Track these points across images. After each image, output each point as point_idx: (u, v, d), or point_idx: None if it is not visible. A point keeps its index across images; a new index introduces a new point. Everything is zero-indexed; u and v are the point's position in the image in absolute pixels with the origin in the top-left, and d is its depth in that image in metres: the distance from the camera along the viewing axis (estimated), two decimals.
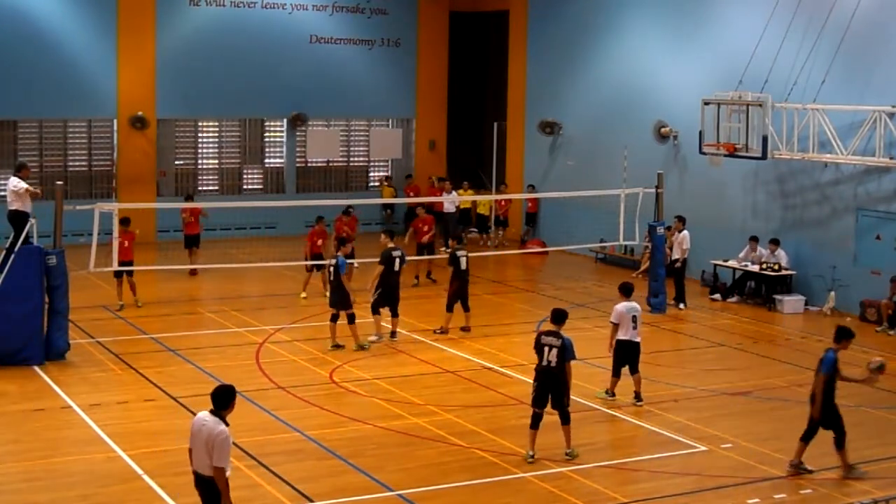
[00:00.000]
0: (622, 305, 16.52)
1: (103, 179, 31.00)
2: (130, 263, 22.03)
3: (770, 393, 17.40)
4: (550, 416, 14.37)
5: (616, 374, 16.72)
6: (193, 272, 25.94)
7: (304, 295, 23.67)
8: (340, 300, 19.23)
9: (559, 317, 14.25)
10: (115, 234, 21.36)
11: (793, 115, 23.08)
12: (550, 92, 31.59)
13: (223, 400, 9.98)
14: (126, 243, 21.83)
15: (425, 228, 25.44)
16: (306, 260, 23.90)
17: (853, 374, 14.53)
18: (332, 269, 19.42)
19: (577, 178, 29.27)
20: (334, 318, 19.33)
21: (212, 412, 9.96)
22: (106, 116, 30.72)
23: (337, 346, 19.29)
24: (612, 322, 16.57)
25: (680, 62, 27.43)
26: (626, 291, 16.67)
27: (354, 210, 25.62)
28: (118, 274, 21.99)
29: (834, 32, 22.74)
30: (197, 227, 26.06)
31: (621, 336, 16.49)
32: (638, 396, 16.56)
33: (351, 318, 19.29)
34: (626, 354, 16.52)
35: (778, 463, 14.08)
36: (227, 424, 9.93)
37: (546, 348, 14.00)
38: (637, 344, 16.58)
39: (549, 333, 14.11)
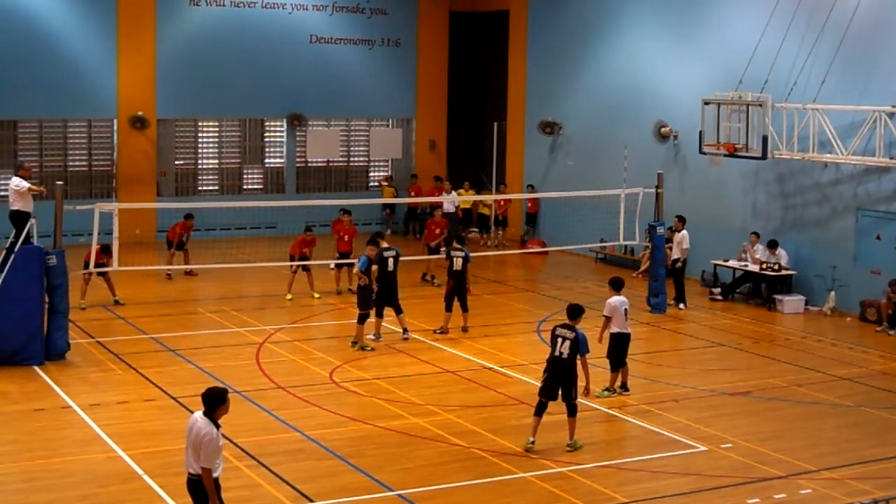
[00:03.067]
0: (615, 299, 16.80)
1: (103, 179, 30.99)
2: (99, 265, 21.85)
3: (770, 393, 17.40)
4: (551, 417, 14.40)
5: (615, 368, 16.88)
6: (190, 272, 25.94)
7: (289, 296, 23.60)
8: (361, 299, 19.42)
9: (574, 312, 14.51)
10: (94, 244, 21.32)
11: (793, 115, 23.08)
12: (550, 92, 31.59)
13: (210, 403, 10.08)
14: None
15: (437, 231, 25.44)
16: (292, 260, 23.91)
17: None
18: (355, 269, 19.69)
19: (577, 178, 29.28)
20: (361, 319, 19.54)
21: (204, 413, 10.04)
22: (106, 116, 30.71)
23: (367, 345, 19.49)
24: (605, 315, 16.71)
25: (680, 62, 27.43)
26: (618, 286, 16.99)
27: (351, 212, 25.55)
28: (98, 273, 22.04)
29: (834, 32, 22.74)
30: (182, 237, 25.95)
31: (616, 329, 16.74)
32: (625, 386, 16.98)
33: (362, 319, 19.42)
34: (622, 347, 16.88)
35: (778, 463, 14.08)
36: (218, 427, 10.00)
37: (559, 339, 14.23)
38: (630, 335, 17.05)
39: (564, 326, 14.31)
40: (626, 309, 16.89)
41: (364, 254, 19.79)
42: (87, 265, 21.72)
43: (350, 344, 19.53)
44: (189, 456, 10.05)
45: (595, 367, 17.13)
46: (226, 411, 10.14)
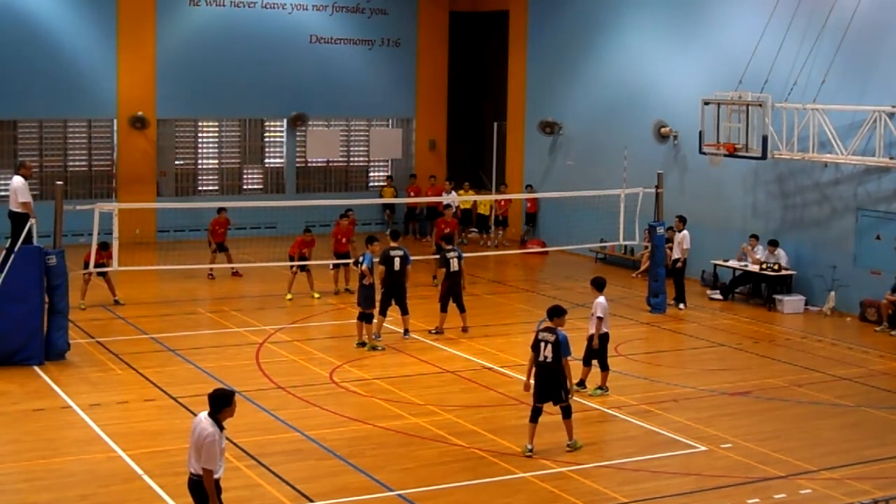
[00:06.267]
0: (604, 300, 16.79)
1: (103, 179, 30.99)
2: (99, 265, 21.86)
3: (770, 393, 17.40)
4: (550, 417, 14.40)
5: (606, 367, 16.95)
6: (236, 273, 25.94)
7: (289, 296, 23.59)
8: (365, 298, 19.43)
9: (554, 313, 14.38)
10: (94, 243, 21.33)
11: (793, 115, 23.08)
12: (550, 92, 31.59)
13: (216, 404, 10.07)
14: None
15: (447, 230, 25.37)
16: (291, 260, 23.92)
17: None
18: (362, 266, 19.60)
19: (577, 178, 29.29)
20: (362, 317, 19.51)
21: (209, 414, 10.04)
22: (106, 116, 30.72)
23: (363, 344, 19.48)
24: (599, 317, 16.68)
25: (680, 62, 27.43)
26: (602, 286, 17.01)
27: (353, 212, 25.56)
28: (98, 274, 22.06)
29: (834, 32, 22.74)
30: (224, 236, 25.97)
31: (604, 329, 16.80)
32: (583, 384, 16.98)
33: (369, 318, 19.46)
34: (606, 346, 16.93)
35: (778, 463, 14.09)
36: (221, 428, 10.00)
37: (542, 344, 14.15)
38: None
39: (545, 329, 14.23)
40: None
41: (368, 252, 19.77)
42: (86, 265, 21.73)
43: (355, 345, 19.51)
44: (191, 456, 10.05)
45: (597, 368, 17.21)
46: (231, 414, 10.13)
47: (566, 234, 28.70)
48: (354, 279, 23.75)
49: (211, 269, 25.74)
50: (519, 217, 32.30)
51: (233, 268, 25.87)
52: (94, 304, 22.30)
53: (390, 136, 34.45)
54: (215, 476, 9.92)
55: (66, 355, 18.42)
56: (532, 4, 32.21)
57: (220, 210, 26.14)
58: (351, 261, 23.44)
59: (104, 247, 21.68)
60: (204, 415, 10.08)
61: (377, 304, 19.71)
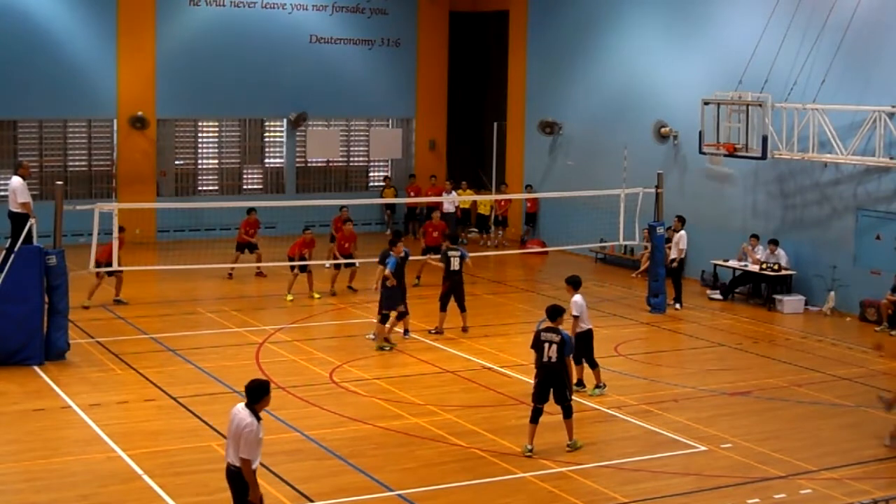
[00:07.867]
0: (580, 298, 16.74)
1: (103, 179, 30.98)
2: (109, 265, 21.93)
3: (770, 393, 17.40)
4: (550, 416, 14.40)
5: (595, 364, 16.96)
6: (260, 273, 25.91)
7: (290, 297, 23.56)
8: (386, 300, 19.41)
9: (555, 313, 14.39)
10: (115, 235, 21.54)
11: (793, 115, 23.09)
12: (550, 92, 31.59)
13: (253, 395, 10.18)
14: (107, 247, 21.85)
15: (435, 234, 25.47)
16: (290, 261, 23.90)
17: None
18: (386, 270, 19.57)
19: (577, 178, 29.29)
20: (385, 319, 19.53)
21: (246, 405, 10.16)
22: (106, 116, 30.71)
23: (386, 345, 19.42)
24: (575, 315, 16.58)
25: (680, 62, 27.43)
26: (578, 284, 16.97)
27: (347, 209, 25.48)
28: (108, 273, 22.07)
29: (834, 32, 22.75)
30: (254, 236, 25.86)
31: (587, 326, 16.78)
32: (581, 383, 16.95)
33: (385, 319, 19.48)
34: (591, 343, 16.88)
35: (778, 463, 14.09)
36: (258, 419, 10.12)
37: (546, 345, 14.14)
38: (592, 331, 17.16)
39: (547, 330, 14.23)
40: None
41: (391, 255, 19.71)
42: (98, 264, 21.65)
43: (376, 348, 19.50)
44: (229, 446, 10.18)
45: (605, 370, 17.23)
46: (267, 403, 10.27)
47: (566, 234, 28.71)
48: (358, 279, 23.89)
49: (231, 269, 25.68)
50: (519, 217, 32.30)
51: (258, 267, 25.80)
52: (94, 304, 22.29)
53: (390, 136, 34.45)
54: (252, 466, 10.01)
55: (66, 355, 18.42)
56: (532, 4, 32.22)
57: (250, 210, 26.06)
58: (352, 261, 23.56)
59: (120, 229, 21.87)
60: (241, 406, 10.19)
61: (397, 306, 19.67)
